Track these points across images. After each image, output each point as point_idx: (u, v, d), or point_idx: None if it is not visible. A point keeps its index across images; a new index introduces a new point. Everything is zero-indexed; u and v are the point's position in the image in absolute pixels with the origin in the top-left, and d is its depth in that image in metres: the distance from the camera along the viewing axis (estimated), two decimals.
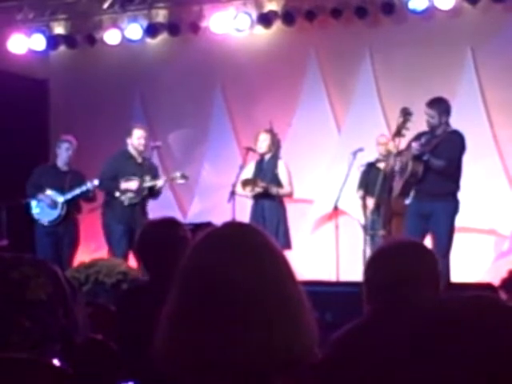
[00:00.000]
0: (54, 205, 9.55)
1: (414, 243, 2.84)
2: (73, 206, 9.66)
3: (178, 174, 9.64)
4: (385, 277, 2.62)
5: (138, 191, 9.36)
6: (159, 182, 9.49)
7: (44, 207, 9.58)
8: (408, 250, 2.70)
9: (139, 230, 4.30)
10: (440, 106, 8.03)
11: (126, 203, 9.39)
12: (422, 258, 2.68)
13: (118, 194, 9.40)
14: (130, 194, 9.39)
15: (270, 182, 9.24)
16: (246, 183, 9.31)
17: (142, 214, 9.40)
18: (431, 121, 7.98)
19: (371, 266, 2.73)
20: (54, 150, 9.94)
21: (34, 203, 9.61)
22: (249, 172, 9.43)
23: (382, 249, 2.83)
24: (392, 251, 2.69)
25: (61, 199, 9.54)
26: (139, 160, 9.54)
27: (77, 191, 9.53)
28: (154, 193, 9.52)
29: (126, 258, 9.18)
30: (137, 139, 9.49)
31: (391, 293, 2.57)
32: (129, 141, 9.54)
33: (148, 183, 9.39)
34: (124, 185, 9.40)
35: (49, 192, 9.55)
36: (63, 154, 9.67)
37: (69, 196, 9.54)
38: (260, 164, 9.48)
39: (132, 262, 9.28)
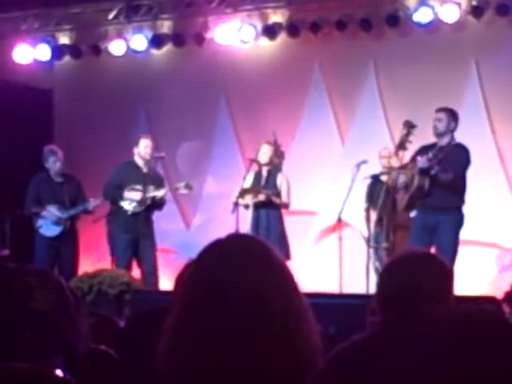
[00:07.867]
0: (57, 221, 9.62)
1: (421, 256, 2.80)
2: (74, 219, 9.78)
3: (181, 184, 9.62)
4: (386, 290, 2.62)
5: (141, 201, 9.35)
6: (160, 193, 9.44)
7: (47, 223, 9.62)
8: (411, 263, 2.68)
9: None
10: (450, 113, 8.07)
11: (129, 212, 9.38)
12: (427, 271, 2.66)
13: (121, 203, 9.40)
14: (133, 204, 9.38)
15: (271, 192, 9.28)
16: (246, 192, 9.32)
17: (146, 223, 9.42)
18: (438, 125, 7.98)
19: (380, 278, 2.74)
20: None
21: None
22: (247, 183, 9.48)
23: (390, 262, 2.84)
24: (397, 264, 2.69)
25: (64, 215, 9.62)
26: (145, 170, 9.56)
27: (79, 208, 9.66)
28: (157, 203, 9.50)
29: (129, 267, 9.18)
30: (144, 148, 9.51)
31: (388, 307, 2.56)
32: (136, 150, 9.57)
33: (150, 193, 9.38)
34: (127, 194, 9.40)
35: (51, 208, 9.60)
36: (53, 167, 9.76)
37: (72, 212, 9.65)
38: (258, 175, 9.49)
39: (135, 272, 9.30)
